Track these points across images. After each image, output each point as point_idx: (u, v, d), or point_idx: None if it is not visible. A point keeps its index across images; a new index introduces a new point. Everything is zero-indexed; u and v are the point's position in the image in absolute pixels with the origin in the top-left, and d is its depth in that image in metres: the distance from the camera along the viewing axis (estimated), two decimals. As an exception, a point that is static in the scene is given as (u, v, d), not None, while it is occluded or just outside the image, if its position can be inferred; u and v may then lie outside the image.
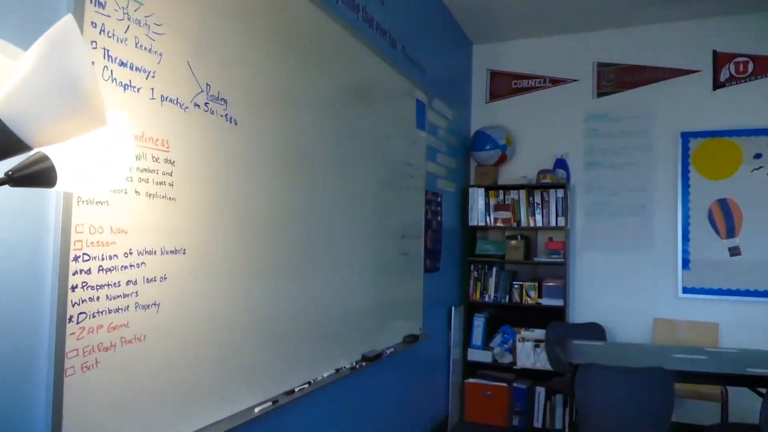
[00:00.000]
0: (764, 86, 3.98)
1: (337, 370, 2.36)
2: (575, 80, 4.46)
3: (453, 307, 4.10)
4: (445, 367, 4.04)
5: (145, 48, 1.43)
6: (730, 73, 4.07)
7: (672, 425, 3.75)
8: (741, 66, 4.05)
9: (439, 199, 3.83)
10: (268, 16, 1.92)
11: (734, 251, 3.92)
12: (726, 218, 3.95)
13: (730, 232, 3.94)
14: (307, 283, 2.16)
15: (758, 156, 3.92)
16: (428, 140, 3.58)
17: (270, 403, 1.89)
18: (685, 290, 4.00)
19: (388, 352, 2.83)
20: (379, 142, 2.82)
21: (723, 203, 3.97)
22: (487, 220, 4.32)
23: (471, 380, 4.19)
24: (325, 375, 2.27)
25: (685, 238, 4.03)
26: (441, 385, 3.98)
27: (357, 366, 2.52)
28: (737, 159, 3.96)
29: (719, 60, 4.10)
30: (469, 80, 4.74)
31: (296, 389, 2.05)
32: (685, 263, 4.01)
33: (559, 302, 4.09)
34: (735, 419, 3.49)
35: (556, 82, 4.52)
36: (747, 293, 3.87)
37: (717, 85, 4.10)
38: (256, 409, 1.82)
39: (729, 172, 3.97)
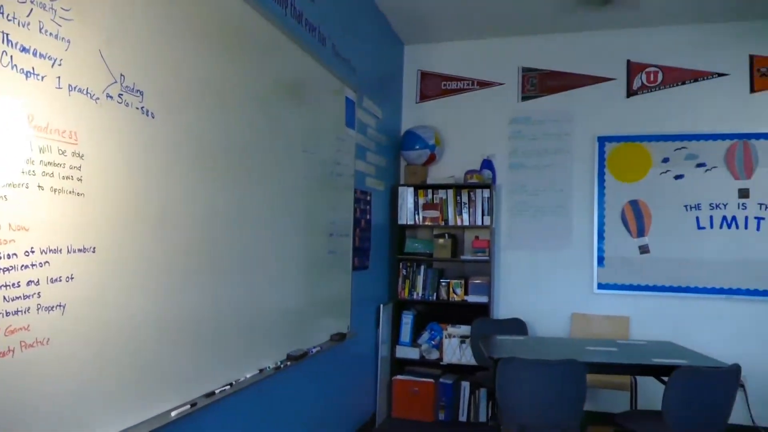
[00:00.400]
0: (672, 95, 4.26)
1: (261, 371, 2.33)
2: (501, 83, 4.60)
3: (381, 305, 4.13)
4: (373, 365, 4.07)
5: (51, 33, 1.34)
6: (642, 82, 4.34)
7: (585, 414, 3.95)
8: (652, 75, 4.32)
9: (368, 197, 3.85)
10: (189, 5, 1.86)
11: (644, 249, 4.18)
12: (637, 218, 4.21)
13: (641, 232, 4.20)
14: (229, 282, 2.11)
15: (666, 160, 4.20)
16: (358, 139, 3.59)
17: (188, 406, 1.83)
18: (600, 286, 4.23)
19: (314, 350, 2.81)
20: (307, 139, 2.79)
21: (634, 204, 4.22)
22: (416, 219, 4.38)
23: (399, 377, 4.24)
24: (248, 376, 2.23)
25: (601, 237, 4.26)
26: (369, 382, 4.00)
27: (282, 366, 2.49)
28: (647, 163, 4.23)
29: (632, 69, 4.36)
30: (400, 80, 4.79)
31: (217, 391, 2.00)
32: (600, 261, 4.24)
33: (484, 299, 4.21)
34: (643, 407, 3.73)
35: (483, 84, 4.65)
36: (655, 288, 4.14)
37: (630, 92, 4.36)
38: (173, 413, 1.76)
39: (640, 175, 4.24)
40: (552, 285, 4.35)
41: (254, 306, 2.30)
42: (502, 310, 4.42)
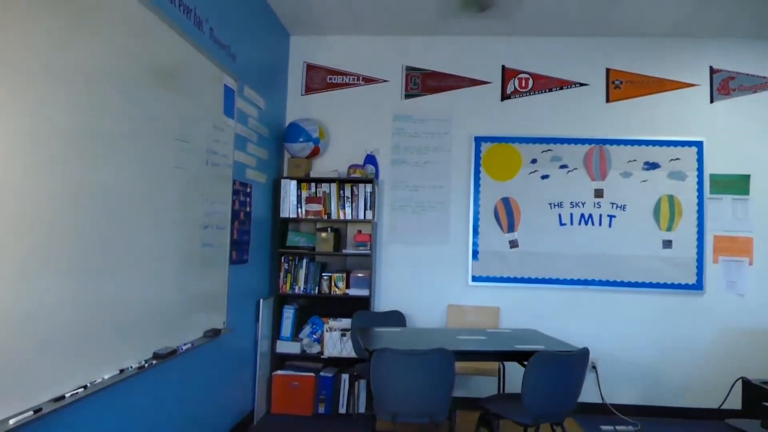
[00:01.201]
0: (541, 101, 4.59)
1: (122, 371, 2.19)
2: (386, 80, 4.69)
3: (261, 300, 4.05)
4: (252, 361, 3.98)
5: None
6: (515, 86, 4.63)
7: (456, 399, 4.15)
8: (523, 81, 4.62)
9: (248, 189, 3.75)
10: (36, -26, 1.69)
11: (513, 244, 4.47)
12: (508, 215, 4.49)
13: (511, 227, 4.49)
14: (88, 276, 1.95)
15: (534, 161, 4.51)
16: (237, 129, 3.48)
17: (31, 412, 1.67)
18: (474, 278, 4.47)
19: (184, 348, 2.69)
20: (181, 127, 2.65)
21: (506, 201, 4.50)
22: (299, 212, 4.35)
23: (279, 372, 4.19)
24: (105, 377, 2.08)
25: (476, 232, 4.49)
26: (247, 378, 3.91)
27: (146, 365, 2.36)
28: (518, 163, 4.52)
29: (506, 74, 4.63)
30: (285, 71, 4.71)
31: (67, 395, 1.85)
32: (475, 254, 4.47)
33: (365, 292, 4.27)
34: (511, 391, 4.00)
35: (368, 80, 4.70)
36: (522, 280, 4.45)
37: (504, 96, 4.63)
38: (11, 421, 1.60)
39: (511, 174, 4.52)
40: (430, 278, 4.52)
41: (118, 302, 2.15)
42: (382, 303, 4.51)
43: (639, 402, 4.37)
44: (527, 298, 4.47)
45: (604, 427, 4.04)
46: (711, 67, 4.53)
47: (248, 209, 3.76)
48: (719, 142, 4.45)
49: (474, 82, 4.65)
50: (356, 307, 4.23)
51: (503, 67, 4.64)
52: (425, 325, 4.45)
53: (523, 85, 4.62)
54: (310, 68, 4.75)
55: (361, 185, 4.36)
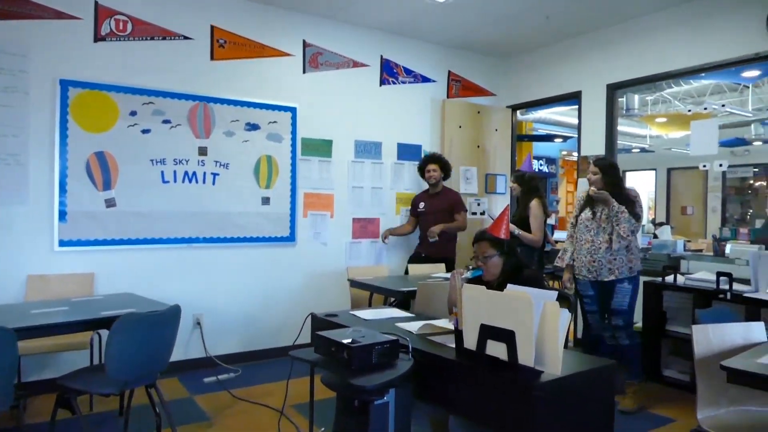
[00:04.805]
0: (142, 48, 4.25)
1: None
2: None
3: None
4: None
5: None
6: (111, 28, 4.15)
7: (36, 383, 3.62)
8: (121, 24, 4.19)
9: None
10: None
11: (110, 203, 4.09)
12: (103, 171, 4.06)
13: (107, 185, 4.08)
14: None
15: (134, 113, 4.18)
16: None
17: None
18: (62, 243, 3.92)
19: None
20: None
21: (100, 156, 4.05)
22: None
23: None
24: None
25: (63, 190, 3.92)
26: None
27: None
28: (115, 114, 4.11)
29: (100, 12, 4.11)
30: None
31: None
32: (62, 216, 3.91)
33: None
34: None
35: None
36: (121, 242, 4.13)
37: (98, 37, 4.11)
38: None
39: (107, 126, 4.09)
40: (4, 245, 3.75)
41: None
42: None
43: (242, 349, 4.66)
44: (128, 260, 4.17)
45: (206, 380, 4.16)
46: (304, 41, 5.00)
47: None
48: (309, 109, 4.99)
49: (60, 15, 3.97)
50: None
51: (96, 3, 4.09)
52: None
53: (122, 28, 4.19)
54: None
55: None
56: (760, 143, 8.37)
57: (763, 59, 4.11)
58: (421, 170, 5.12)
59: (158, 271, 4.28)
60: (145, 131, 4.22)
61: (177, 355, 4.04)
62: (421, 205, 5.10)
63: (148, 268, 4.24)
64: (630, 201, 3.66)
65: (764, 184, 8.68)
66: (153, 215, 4.24)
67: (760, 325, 2.53)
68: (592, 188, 3.77)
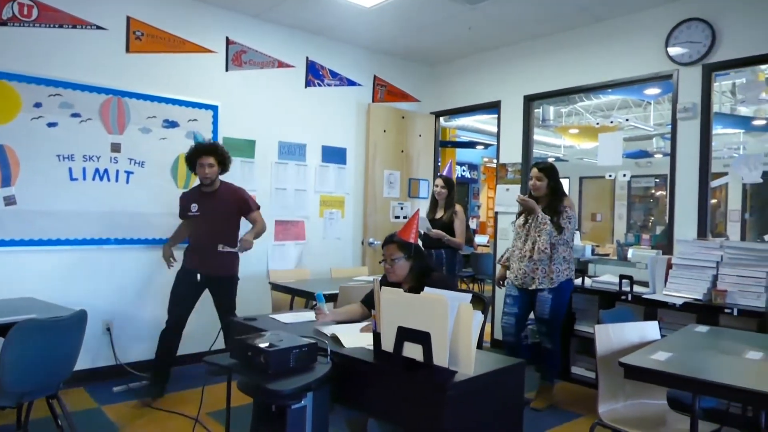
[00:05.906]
0: (49, 36, 3.98)
1: None
2: None
3: None
4: None
5: None
6: (13, 12, 3.86)
7: None
8: (26, 9, 3.91)
9: None
10: None
11: (9, 200, 3.79)
12: (2, 166, 3.77)
13: (6, 181, 3.79)
14: None
15: (38, 105, 3.91)
16: None
17: None
18: (-47, 243, 3.60)
19: None
20: None
21: (0, 150, 3.76)
22: None
23: None
24: None
25: (-46, 186, 3.60)
26: None
27: None
28: (16, 105, 3.82)
29: (1, -4, 3.82)
30: None
31: None
32: (-47, 213, 3.59)
33: None
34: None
35: None
36: (22, 243, 3.84)
37: (-1, 22, 3.82)
38: None
39: (7, 118, 3.79)
40: None
41: None
42: None
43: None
44: (30, 263, 3.88)
45: (116, 389, 3.95)
46: (227, 38, 4.88)
47: None
48: (232, 108, 4.87)
49: (-47, -4, 3.65)
50: None
51: (-3, -15, 3.80)
52: None
53: (26, 13, 3.91)
54: None
55: None
56: (661, 156, 9.06)
57: (662, 78, 4.45)
58: (191, 164, 3.94)
59: (64, 275, 4.01)
60: (51, 125, 3.96)
61: (84, 363, 3.85)
62: (194, 207, 3.97)
63: (53, 271, 3.97)
64: (557, 212, 3.67)
65: (664, 193, 9.37)
66: (59, 214, 3.97)
67: (654, 324, 2.74)
68: (519, 195, 3.83)
